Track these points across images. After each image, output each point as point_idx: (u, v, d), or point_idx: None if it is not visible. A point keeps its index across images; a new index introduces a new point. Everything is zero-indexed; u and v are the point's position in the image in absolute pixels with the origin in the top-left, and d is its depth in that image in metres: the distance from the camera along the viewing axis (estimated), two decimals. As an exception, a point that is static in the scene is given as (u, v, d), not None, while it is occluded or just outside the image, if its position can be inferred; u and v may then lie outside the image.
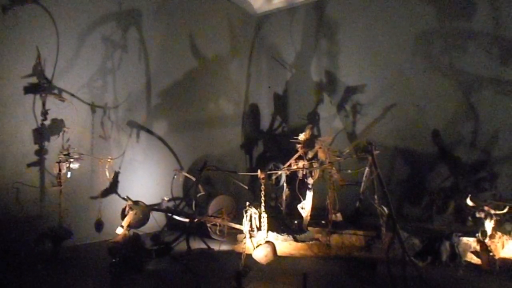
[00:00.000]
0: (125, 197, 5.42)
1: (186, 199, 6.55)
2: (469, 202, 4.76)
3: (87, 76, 5.97)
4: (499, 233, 4.67)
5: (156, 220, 5.59)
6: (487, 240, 4.50)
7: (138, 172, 6.61)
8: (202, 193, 5.83)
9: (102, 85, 6.19)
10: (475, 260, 4.64)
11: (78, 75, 5.84)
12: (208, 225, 5.76)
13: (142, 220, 5.31)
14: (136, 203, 5.33)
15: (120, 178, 6.12)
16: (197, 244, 5.46)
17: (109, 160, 5.58)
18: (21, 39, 5.18)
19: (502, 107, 6.32)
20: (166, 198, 5.92)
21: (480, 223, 4.64)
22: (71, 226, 5.11)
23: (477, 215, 4.67)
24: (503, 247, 4.76)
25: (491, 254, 4.42)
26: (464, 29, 6.69)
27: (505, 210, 4.68)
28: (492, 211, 4.59)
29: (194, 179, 6.00)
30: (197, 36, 7.79)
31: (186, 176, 6.43)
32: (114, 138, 6.31)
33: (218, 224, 5.58)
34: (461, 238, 4.77)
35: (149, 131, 6.77)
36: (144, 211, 5.31)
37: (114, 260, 4.38)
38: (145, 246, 4.80)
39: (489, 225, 4.57)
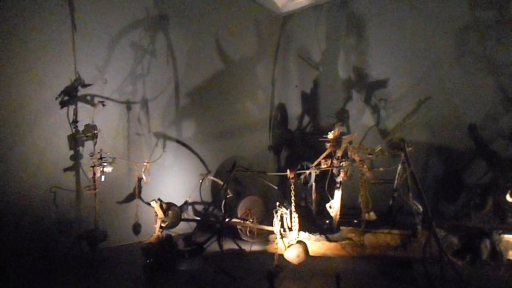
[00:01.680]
0: (157, 200, 5.50)
1: (215, 202, 6.59)
2: (509, 198, 4.55)
3: (118, 82, 6.13)
4: None
5: (188, 222, 5.66)
6: None
7: (168, 175, 6.71)
8: (231, 195, 5.85)
9: (132, 90, 6.33)
10: None
11: (109, 80, 5.99)
12: (238, 226, 5.78)
13: (174, 221, 5.39)
14: (168, 205, 5.41)
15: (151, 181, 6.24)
16: (228, 245, 5.48)
17: (145, 163, 5.70)
18: (56, 47, 5.37)
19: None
20: (188, 199, 5.98)
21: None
22: (106, 228, 5.25)
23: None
24: None
25: None
26: (499, 19, 6.40)
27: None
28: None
29: (221, 182, 6.02)
30: (223, 39, 7.85)
31: (213, 180, 6.48)
32: (145, 142, 6.44)
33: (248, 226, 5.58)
34: (502, 235, 4.56)
35: (167, 137, 6.82)
36: (176, 214, 5.38)
37: (148, 261, 4.46)
38: (177, 247, 4.86)
39: None
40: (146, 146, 6.45)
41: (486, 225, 5.07)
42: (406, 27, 7.42)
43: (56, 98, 5.35)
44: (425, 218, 4.38)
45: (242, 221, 5.70)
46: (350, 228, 5.32)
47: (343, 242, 5.23)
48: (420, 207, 4.55)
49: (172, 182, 6.70)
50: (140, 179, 5.69)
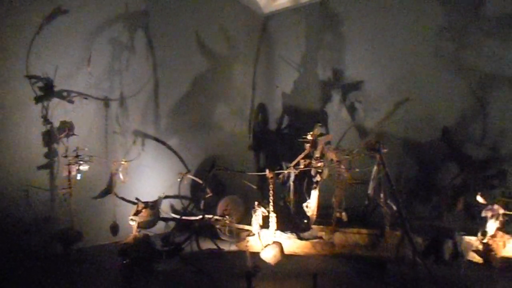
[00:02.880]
0: (136, 199, 5.44)
1: (194, 201, 6.57)
2: (479, 198, 4.73)
3: (95, 78, 6.01)
4: (500, 233, 4.63)
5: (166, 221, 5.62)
6: (485, 240, 4.48)
7: (147, 174, 6.64)
8: (210, 194, 5.84)
9: (110, 87, 6.23)
10: (476, 258, 4.62)
11: (86, 76, 5.87)
12: (217, 226, 5.78)
13: (152, 221, 5.34)
14: (146, 204, 5.35)
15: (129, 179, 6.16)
16: (207, 245, 5.48)
17: (123, 162, 5.61)
18: (28, 42, 5.23)
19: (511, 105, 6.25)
20: (162, 195, 5.91)
21: (484, 221, 4.61)
22: (82, 228, 5.16)
23: (483, 214, 4.63)
24: (504, 246, 4.72)
25: (492, 252, 4.40)
26: (474, 25, 6.61)
27: (513, 211, 4.65)
28: (501, 211, 4.55)
29: (200, 181, 6.01)
30: (204, 37, 7.80)
31: (193, 179, 6.44)
32: (123, 141, 6.36)
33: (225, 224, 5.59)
34: (463, 236, 4.74)
35: (147, 135, 6.76)
36: (154, 212, 5.33)
37: (124, 261, 4.41)
38: (155, 247, 4.83)
39: (493, 225, 4.54)
40: (124, 144, 6.37)
41: (456, 225, 5.24)
42: (384, 29, 7.56)
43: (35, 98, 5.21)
44: (399, 218, 4.49)
45: (218, 218, 5.69)
46: (321, 226, 5.40)
47: (314, 240, 5.31)
48: (393, 207, 4.66)
49: (151, 181, 6.64)
50: (113, 177, 5.59)
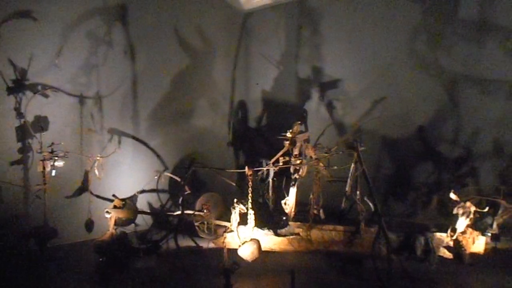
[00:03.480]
0: (112, 196, 5.36)
1: (172, 199, 6.52)
2: (452, 196, 4.87)
3: (71, 72, 5.88)
4: (470, 229, 4.80)
5: (144, 218, 5.56)
6: (455, 237, 4.63)
7: (124, 171, 6.55)
8: (189, 191, 5.82)
9: (87, 82, 6.11)
10: (447, 254, 4.76)
11: (62, 71, 5.74)
12: (196, 223, 5.76)
13: (128, 218, 5.28)
14: (123, 201, 5.28)
15: (105, 177, 6.06)
16: (185, 242, 5.46)
17: (98, 158, 5.51)
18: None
19: (483, 105, 6.46)
20: (137, 193, 5.85)
21: (456, 218, 4.75)
22: (57, 225, 5.06)
23: (455, 211, 4.77)
24: (473, 242, 4.90)
25: (462, 248, 4.55)
26: (448, 26, 6.79)
27: (486, 209, 4.81)
28: (473, 208, 4.69)
29: (178, 179, 5.98)
30: (183, 32, 7.72)
31: (170, 176, 6.38)
32: (99, 137, 6.25)
33: (205, 222, 5.58)
34: (435, 233, 4.87)
35: (124, 132, 6.66)
36: (132, 209, 5.27)
37: (101, 259, 4.35)
38: (132, 244, 4.78)
39: (463, 222, 4.68)
40: (100, 140, 6.26)
41: (429, 222, 5.39)
42: (361, 29, 7.67)
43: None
44: (375, 215, 4.59)
45: (196, 212, 5.68)
46: (298, 223, 5.46)
47: (291, 237, 5.36)
48: (370, 204, 4.75)
49: (128, 178, 6.54)
50: (87, 173, 5.49)
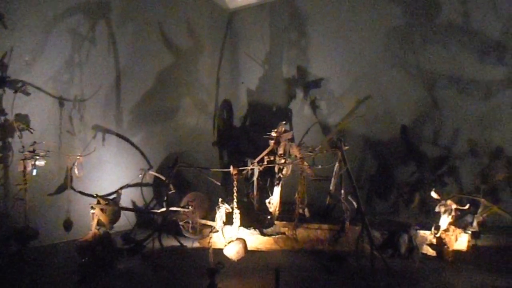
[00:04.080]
0: (94, 195, 5.27)
1: (156, 197, 6.47)
2: (433, 194, 4.96)
3: (53, 70, 5.77)
4: (453, 227, 4.89)
5: (127, 218, 5.50)
6: (438, 234, 4.72)
7: (108, 170, 6.47)
8: (173, 191, 5.78)
9: (69, 79, 6.01)
10: (430, 252, 4.84)
11: (44, 68, 5.64)
12: (180, 223, 5.73)
13: (112, 218, 5.20)
14: (106, 201, 5.20)
15: (87, 175, 5.97)
16: (169, 242, 5.42)
17: (78, 157, 5.42)
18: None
19: (463, 105, 6.60)
20: (121, 190, 5.77)
21: (438, 216, 4.84)
22: (37, 226, 4.96)
23: (436, 209, 4.86)
24: (456, 240, 5.00)
25: (445, 246, 4.64)
26: (429, 29, 6.91)
27: (467, 207, 4.92)
28: (454, 206, 4.80)
29: (163, 178, 5.93)
30: (168, 30, 7.67)
31: (155, 175, 6.33)
32: (81, 135, 6.15)
33: (190, 221, 5.55)
34: (418, 231, 4.96)
35: (108, 130, 6.57)
36: (114, 209, 5.20)
37: (83, 260, 4.28)
38: (115, 245, 4.71)
39: (446, 220, 4.77)
40: (83, 139, 6.16)
41: (412, 220, 5.49)
42: (346, 29, 7.76)
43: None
44: (358, 214, 4.64)
45: (183, 209, 5.64)
46: (284, 222, 5.48)
47: (277, 236, 5.38)
48: (354, 203, 4.80)
49: (112, 177, 6.47)
50: (70, 171, 5.39)
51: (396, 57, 7.23)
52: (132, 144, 6.89)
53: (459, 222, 5.04)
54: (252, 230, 5.40)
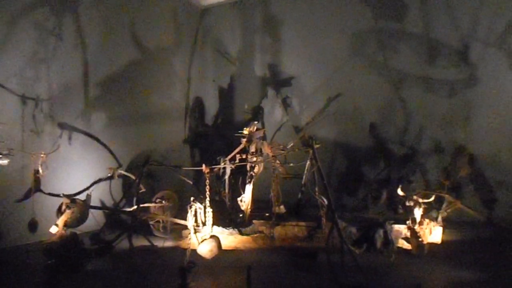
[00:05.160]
0: (61, 195, 5.12)
1: (126, 197, 6.34)
2: (399, 191, 5.13)
3: (17, 66, 5.56)
4: (427, 220, 5.07)
5: (96, 218, 5.38)
6: (416, 227, 4.87)
7: (74, 168, 6.30)
8: (143, 190, 5.69)
9: (34, 75, 5.80)
10: (405, 245, 5.00)
11: (7, 64, 5.42)
12: (151, 222, 5.65)
13: (80, 218, 5.07)
14: (73, 201, 5.07)
15: (54, 174, 5.79)
16: (140, 242, 5.34)
17: (42, 155, 5.23)
18: None
19: (428, 103, 6.86)
20: (90, 192, 5.64)
21: (410, 211, 5.01)
22: (1, 226, 4.77)
23: (407, 203, 5.04)
24: (430, 233, 5.18)
25: (420, 239, 4.78)
26: (396, 30, 7.13)
27: (432, 199, 5.12)
28: (420, 200, 4.98)
29: (133, 177, 5.83)
30: (138, 26, 7.53)
31: (124, 174, 6.21)
32: (47, 133, 5.96)
33: (160, 220, 5.50)
34: (393, 225, 5.10)
35: (75, 127, 6.41)
36: (82, 209, 5.07)
37: (50, 262, 4.16)
38: (83, 245, 4.61)
39: (418, 212, 4.95)
40: (49, 137, 5.97)
41: (380, 216, 5.65)
42: (317, 28, 7.88)
43: None
44: (329, 211, 4.73)
45: (152, 205, 5.57)
46: (262, 221, 5.52)
47: (255, 235, 5.41)
48: (324, 200, 4.89)
49: (80, 176, 6.29)
50: (36, 172, 5.20)
51: (365, 57, 7.41)
52: (100, 142, 6.73)
53: (424, 217, 5.22)
54: (231, 230, 5.40)
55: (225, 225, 5.46)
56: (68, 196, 5.00)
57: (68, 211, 4.89)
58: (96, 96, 6.78)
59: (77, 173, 6.30)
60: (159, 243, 5.37)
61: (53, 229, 4.68)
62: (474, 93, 6.67)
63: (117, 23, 7.19)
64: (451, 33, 6.80)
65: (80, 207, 5.04)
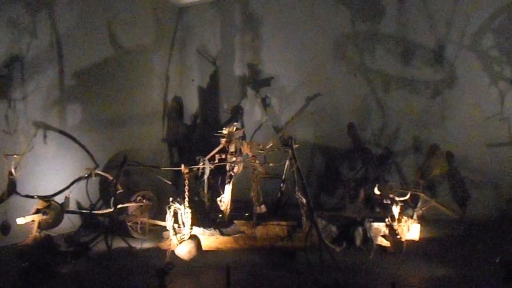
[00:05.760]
0: (35, 196, 4.99)
1: (104, 197, 6.24)
2: (376, 190, 5.22)
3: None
4: (405, 217, 5.17)
5: (71, 220, 5.27)
6: (395, 224, 4.97)
7: (50, 169, 6.16)
8: (121, 190, 5.61)
9: (7, 74, 5.65)
10: (384, 243, 5.08)
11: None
12: (129, 223, 5.58)
13: (55, 221, 4.95)
14: (48, 202, 4.95)
15: (28, 175, 5.65)
16: (117, 244, 5.25)
17: (15, 156, 5.09)
18: None
19: (405, 103, 7.00)
20: (69, 195, 5.53)
21: (387, 209, 5.10)
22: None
23: (385, 201, 5.13)
24: (408, 230, 5.29)
25: (398, 237, 4.88)
26: (374, 31, 7.25)
27: (407, 197, 5.23)
28: (397, 198, 5.08)
29: (110, 177, 5.74)
30: (115, 24, 7.41)
31: (101, 175, 6.10)
32: (21, 132, 5.81)
33: (138, 221, 5.43)
34: (372, 223, 5.19)
35: (50, 127, 6.28)
36: (57, 211, 4.95)
37: (23, 265, 4.06)
38: (58, 248, 4.51)
39: (396, 210, 5.05)
40: (23, 137, 5.82)
41: (358, 215, 5.72)
42: (297, 29, 7.93)
43: None
44: (307, 210, 4.77)
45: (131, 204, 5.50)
46: (243, 221, 5.51)
47: (236, 235, 5.40)
48: (303, 199, 4.93)
49: (55, 177, 6.16)
50: (10, 174, 5.06)
51: (344, 57, 7.50)
52: (76, 142, 6.61)
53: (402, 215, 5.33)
54: (211, 230, 5.37)
55: (206, 226, 5.42)
56: (43, 198, 4.89)
57: (41, 213, 4.76)
58: (72, 95, 6.67)
59: (52, 173, 6.17)
60: (137, 245, 5.30)
61: (20, 221, 4.52)
62: (449, 93, 6.85)
63: (94, 21, 7.06)
64: (427, 35, 6.97)
65: (55, 209, 4.93)
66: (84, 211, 5.83)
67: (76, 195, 6.22)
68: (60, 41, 6.43)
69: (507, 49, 6.58)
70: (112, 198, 5.38)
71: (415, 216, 5.46)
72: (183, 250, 4.34)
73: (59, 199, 5.15)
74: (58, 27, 6.38)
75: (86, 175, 5.76)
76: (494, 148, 6.56)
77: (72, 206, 6.02)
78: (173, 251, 4.33)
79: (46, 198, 4.94)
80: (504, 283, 3.38)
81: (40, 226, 4.70)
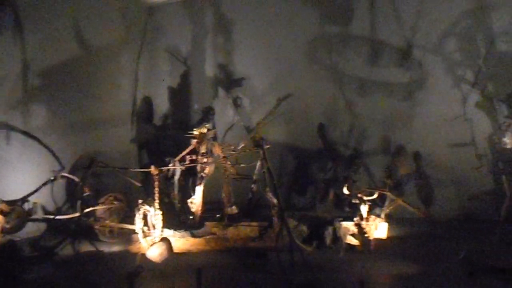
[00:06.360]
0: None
1: (70, 200, 6.06)
2: (345, 190, 5.33)
3: None
4: (373, 216, 5.31)
5: (36, 223, 5.09)
6: (363, 223, 5.09)
7: (14, 172, 5.94)
8: (88, 193, 5.47)
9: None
10: (353, 242, 5.19)
11: None
12: (96, 226, 5.44)
13: (18, 225, 4.78)
14: (12, 205, 4.76)
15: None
16: (84, 248, 5.12)
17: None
18: None
19: (373, 104, 7.18)
20: (37, 201, 5.36)
21: (356, 208, 5.22)
22: None
23: (353, 201, 5.25)
24: (376, 228, 5.43)
25: (366, 235, 5.00)
26: (344, 34, 7.40)
27: (375, 196, 5.37)
28: (365, 197, 5.21)
29: (77, 179, 5.58)
30: (82, 22, 7.21)
31: (68, 177, 5.93)
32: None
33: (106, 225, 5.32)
34: (341, 222, 5.29)
35: (12, 127, 6.06)
36: (21, 215, 4.78)
37: (-16, 272, 3.90)
38: (22, 253, 4.35)
39: (364, 209, 5.17)
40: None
41: (327, 215, 5.84)
42: (268, 30, 7.98)
43: None
44: (278, 210, 4.81)
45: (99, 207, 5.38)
46: (214, 222, 5.49)
47: (207, 237, 5.37)
48: (274, 199, 4.97)
49: (19, 179, 5.93)
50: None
51: (314, 58, 7.61)
52: (41, 143, 6.39)
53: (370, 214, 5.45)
54: (182, 232, 5.32)
55: (176, 228, 5.37)
56: (7, 202, 4.71)
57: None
58: (37, 95, 6.47)
59: (15, 176, 5.95)
60: (105, 248, 5.18)
61: None
62: (417, 94, 7.07)
63: (60, 17, 6.85)
64: (395, 37, 7.17)
65: (19, 214, 4.76)
66: (49, 216, 5.64)
67: (42, 198, 6.03)
68: (24, 39, 6.19)
69: (469, 53, 6.86)
70: (79, 202, 5.25)
71: (382, 215, 5.61)
72: (155, 253, 4.28)
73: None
74: (22, 24, 6.15)
75: (52, 178, 5.59)
76: (458, 148, 6.81)
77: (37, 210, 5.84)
78: (144, 254, 4.26)
79: (15, 203, 4.77)
80: (468, 279, 3.52)
81: (3, 230, 4.53)
